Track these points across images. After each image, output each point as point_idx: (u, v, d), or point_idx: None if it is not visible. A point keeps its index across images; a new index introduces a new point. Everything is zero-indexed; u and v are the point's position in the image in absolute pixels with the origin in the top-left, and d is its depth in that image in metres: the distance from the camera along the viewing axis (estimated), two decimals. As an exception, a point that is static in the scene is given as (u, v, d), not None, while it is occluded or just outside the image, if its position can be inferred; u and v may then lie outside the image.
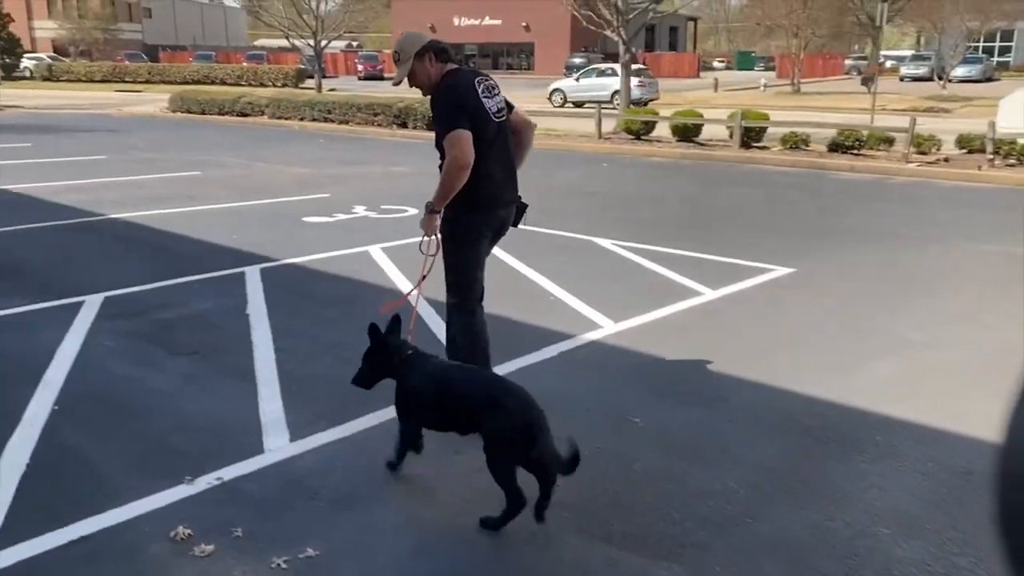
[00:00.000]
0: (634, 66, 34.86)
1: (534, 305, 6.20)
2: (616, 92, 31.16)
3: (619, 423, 4.21)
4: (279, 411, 4.29)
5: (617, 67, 33.82)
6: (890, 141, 15.51)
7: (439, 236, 3.98)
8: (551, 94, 32.50)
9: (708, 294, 6.55)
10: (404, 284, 6.56)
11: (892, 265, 7.70)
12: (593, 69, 33.54)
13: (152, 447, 3.91)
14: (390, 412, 4.12)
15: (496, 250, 7.68)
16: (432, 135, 4.09)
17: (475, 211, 4.03)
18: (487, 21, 62.45)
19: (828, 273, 7.31)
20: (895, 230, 9.33)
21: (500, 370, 4.62)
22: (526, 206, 4.28)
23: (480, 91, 3.96)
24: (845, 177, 13.92)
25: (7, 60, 51.56)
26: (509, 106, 4.17)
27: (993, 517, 0.73)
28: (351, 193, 11.62)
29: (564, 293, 6.50)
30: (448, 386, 3.46)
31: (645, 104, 31.18)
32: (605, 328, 5.66)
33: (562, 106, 31.69)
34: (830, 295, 6.64)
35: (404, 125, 20.94)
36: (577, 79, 33.02)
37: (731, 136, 16.73)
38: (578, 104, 31.31)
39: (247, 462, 3.76)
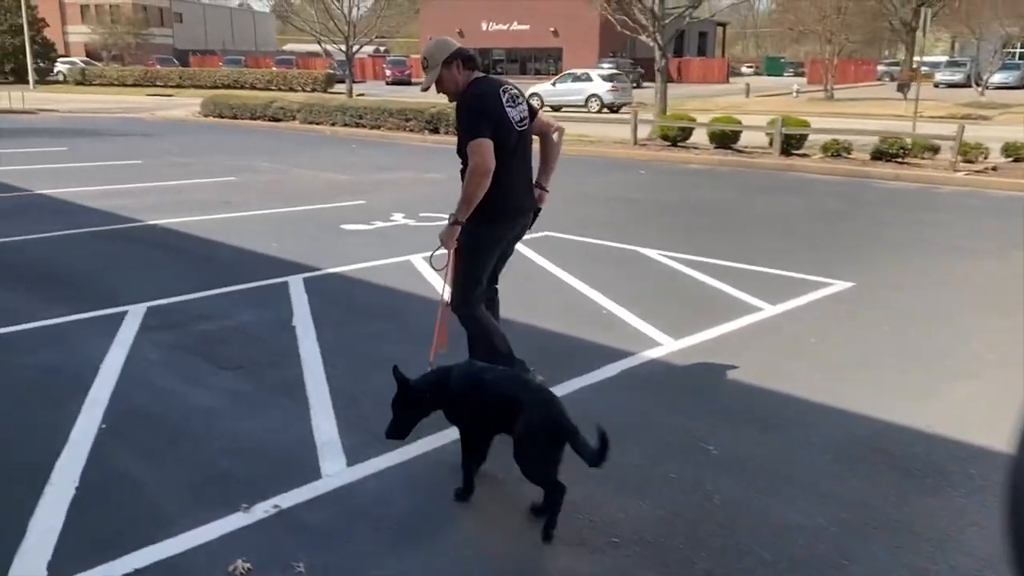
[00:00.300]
0: (608, 71, 34.89)
1: (588, 320, 5.99)
2: (591, 96, 31.76)
3: (691, 450, 3.98)
4: (333, 432, 4.11)
5: (592, 72, 33.97)
6: (935, 149, 15.14)
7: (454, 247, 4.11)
8: (529, 97, 32.98)
9: (768, 309, 6.30)
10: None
11: (952, 279, 7.41)
12: (569, 74, 34.93)
13: (204, 471, 3.74)
14: (446, 435, 3.95)
15: (542, 260, 7.54)
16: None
17: (495, 221, 4.14)
18: (515, 26, 62.35)
19: (888, 287, 7.03)
20: (951, 242, 9.02)
21: (559, 390, 4.45)
22: (539, 209, 4.41)
23: (504, 100, 4.05)
24: (891, 186, 13.57)
25: (41, 64, 52.18)
26: (532, 112, 4.26)
27: (1005, 531, 0.71)
28: (388, 200, 11.48)
29: (617, 307, 6.28)
30: (479, 390, 3.43)
31: (618, 109, 31.53)
32: (665, 345, 5.43)
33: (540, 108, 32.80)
34: (893, 311, 6.37)
35: (436, 131, 20.82)
36: (554, 84, 34.72)
37: (771, 143, 16.41)
38: (555, 108, 32.34)
39: (304, 488, 3.57)
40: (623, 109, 31.25)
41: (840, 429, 4.23)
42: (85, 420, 4.19)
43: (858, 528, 3.33)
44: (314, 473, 3.70)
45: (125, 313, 5.93)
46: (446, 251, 4.14)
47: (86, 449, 3.89)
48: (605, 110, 32.28)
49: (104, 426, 4.11)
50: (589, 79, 33.67)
